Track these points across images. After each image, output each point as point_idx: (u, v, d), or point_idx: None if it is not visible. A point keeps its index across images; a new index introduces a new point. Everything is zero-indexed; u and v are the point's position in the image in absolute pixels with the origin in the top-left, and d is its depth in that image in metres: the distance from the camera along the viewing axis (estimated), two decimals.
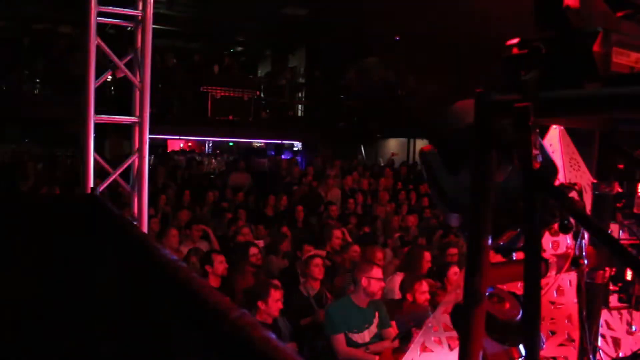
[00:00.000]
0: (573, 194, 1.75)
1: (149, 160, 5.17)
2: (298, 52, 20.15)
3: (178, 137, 18.94)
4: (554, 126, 3.12)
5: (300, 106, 19.50)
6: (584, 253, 1.82)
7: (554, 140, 3.21)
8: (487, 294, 1.78)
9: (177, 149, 19.70)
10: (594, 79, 1.59)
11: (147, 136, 4.87)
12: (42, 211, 3.39)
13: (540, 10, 1.70)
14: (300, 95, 19.55)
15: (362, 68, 18.49)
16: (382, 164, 17.01)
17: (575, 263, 1.82)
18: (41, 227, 2.99)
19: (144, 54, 4.84)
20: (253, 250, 6.74)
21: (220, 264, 5.95)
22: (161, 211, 9.59)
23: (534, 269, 1.56)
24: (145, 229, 4.86)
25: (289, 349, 1.02)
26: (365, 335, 5.23)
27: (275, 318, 5.27)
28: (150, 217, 6.23)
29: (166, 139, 18.46)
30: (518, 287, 2.16)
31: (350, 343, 5.17)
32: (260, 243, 7.85)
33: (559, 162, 3.12)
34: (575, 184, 1.81)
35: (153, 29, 4.94)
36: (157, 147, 17.35)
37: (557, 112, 1.75)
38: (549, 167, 1.72)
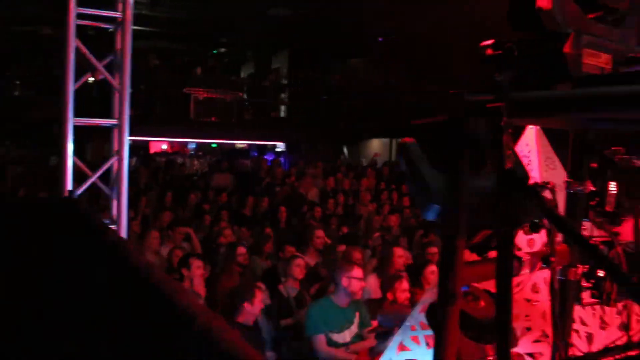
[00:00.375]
0: (546, 193, 1.76)
1: (131, 163, 5.14)
2: (281, 53, 20.13)
3: (161, 139, 18.84)
4: (531, 126, 3.15)
5: (283, 107, 19.48)
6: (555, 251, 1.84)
7: (531, 140, 3.24)
8: (462, 292, 1.79)
9: (159, 150, 19.57)
10: (565, 80, 1.61)
11: (126, 138, 4.83)
12: (16, 213, 3.36)
13: (513, 11, 1.72)
14: (283, 96, 19.52)
15: (348, 69, 18.55)
16: (365, 164, 17.04)
17: (546, 261, 1.84)
18: (13, 230, 2.96)
19: (124, 56, 4.81)
20: (240, 250, 6.75)
21: (197, 268, 5.90)
22: (141, 213, 9.52)
23: (506, 267, 1.58)
24: (124, 232, 4.83)
25: (256, 351, 1.03)
26: (346, 335, 5.23)
27: (256, 319, 5.28)
28: (130, 219, 6.19)
29: (148, 140, 18.35)
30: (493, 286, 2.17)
31: (331, 343, 5.18)
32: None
33: (535, 161, 3.15)
34: (548, 182, 1.83)
35: (136, 30, 4.90)
36: (139, 149, 17.23)
37: (529, 113, 1.77)
38: (519, 171, 1.74)
